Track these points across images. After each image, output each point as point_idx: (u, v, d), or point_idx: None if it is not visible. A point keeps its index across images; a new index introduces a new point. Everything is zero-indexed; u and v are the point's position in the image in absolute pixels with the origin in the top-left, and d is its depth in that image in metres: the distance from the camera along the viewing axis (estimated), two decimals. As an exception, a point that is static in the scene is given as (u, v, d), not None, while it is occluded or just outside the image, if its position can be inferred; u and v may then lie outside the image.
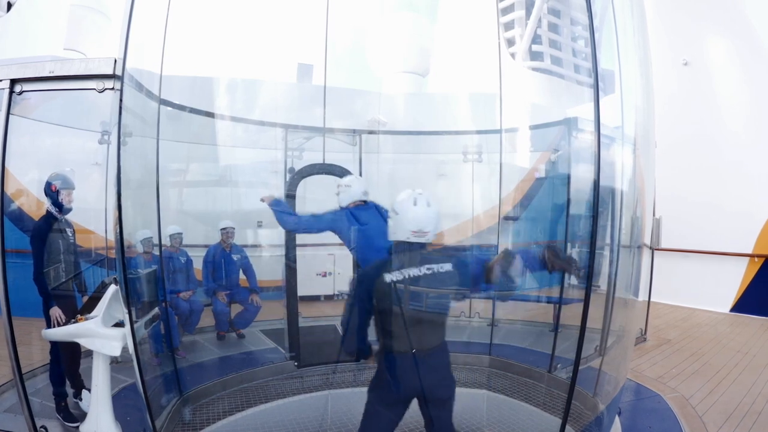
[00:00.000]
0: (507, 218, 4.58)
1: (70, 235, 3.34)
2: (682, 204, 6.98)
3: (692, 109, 7.52)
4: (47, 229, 3.16)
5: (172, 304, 4.16)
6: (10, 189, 3.33)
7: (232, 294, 4.67)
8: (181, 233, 4.26)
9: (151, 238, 3.47)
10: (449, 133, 4.95)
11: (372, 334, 2.13)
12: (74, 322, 2.73)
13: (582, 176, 2.90)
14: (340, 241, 3.23)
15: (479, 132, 4.78)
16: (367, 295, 2.07)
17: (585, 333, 2.29)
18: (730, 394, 3.82)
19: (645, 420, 3.44)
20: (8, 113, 2.53)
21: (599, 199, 2.23)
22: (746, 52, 7.11)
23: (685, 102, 7.52)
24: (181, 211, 4.52)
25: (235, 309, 4.69)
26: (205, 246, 4.68)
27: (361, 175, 4.27)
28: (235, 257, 4.64)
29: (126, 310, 2.34)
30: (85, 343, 2.68)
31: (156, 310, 2.73)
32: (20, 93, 2.55)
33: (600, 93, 2.22)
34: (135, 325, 2.34)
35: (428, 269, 2.05)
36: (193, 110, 3.58)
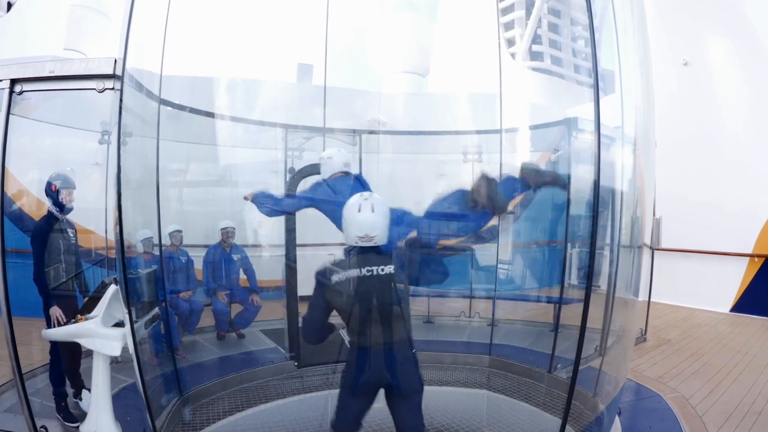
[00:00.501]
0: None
1: (72, 235, 3.34)
2: (682, 204, 6.98)
3: (692, 109, 7.52)
4: (48, 229, 3.16)
5: (172, 304, 4.16)
6: (10, 189, 3.33)
7: (232, 294, 4.67)
8: (180, 231, 4.25)
9: (152, 238, 3.47)
10: (449, 133, 4.94)
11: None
12: (74, 322, 2.73)
13: (582, 176, 2.89)
14: (340, 241, 3.22)
15: (479, 132, 4.77)
16: (321, 294, 2.23)
17: (585, 333, 2.29)
18: (730, 394, 3.82)
19: (645, 420, 3.44)
20: (8, 113, 2.54)
21: (599, 199, 2.23)
22: (746, 52, 7.11)
23: (685, 102, 7.52)
24: (181, 211, 4.51)
25: (235, 309, 4.69)
26: (205, 246, 4.67)
27: (361, 174, 4.26)
28: (235, 257, 4.64)
29: (126, 310, 2.34)
30: (85, 343, 2.69)
31: (156, 310, 2.73)
32: (20, 93, 2.55)
33: (600, 93, 2.22)
34: (135, 325, 2.34)
35: (368, 271, 2.14)
36: (193, 110, 3.58)
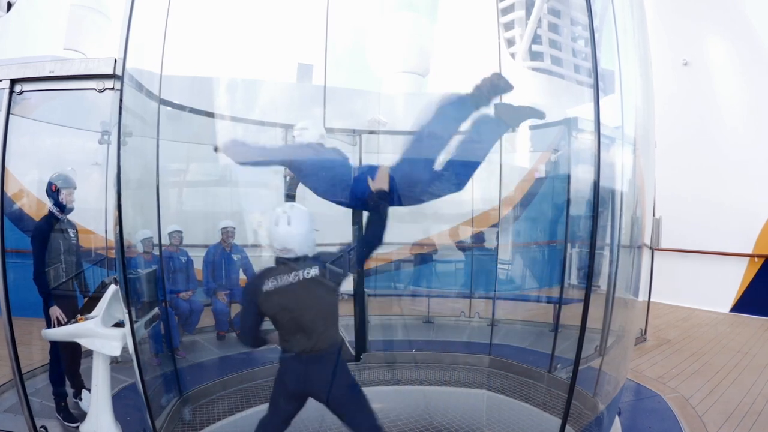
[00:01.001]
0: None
1: (72, 235, 3.34)
2: (682, 204, 6.98)
3: (692, 109, 7.52)
4: (48, 229, 3.16)
5: (172, 304, 4.16)
6: (10, 189, 3.33)
7: (232, 294, 4.67)
8: (180, 231, 4.25)
9: (151, 237, 3.47)
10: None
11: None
12: (74, 322, 2.73)
13: (582, 176, 2.90)
14: (340, 241, 3.22)
15: (479, 132, 4.76)
16: (252, 300, 2.24)
17: (585, 333, 2.29)
18: (730, 394, 3.82)
19: (645, 420, 3.44)
20: (8, 113, 2.54)
21: (599, 199, 2.23)
22: (746, 52, 7.11)
23: (685, 102, 7.52)
24: (181, 211, 4.51)
25: (235, 309, 4.69)
26: (205, 246, 4.67)
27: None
28: (235, 257, 4.64)
29: (126, 310, 2.34)
30: (85, 343, 2.69)
31: (156, 310, 2.73)
32: (20, 93, 2.55)
33: (600, 93, 2.22)
34: (135, 325, 2.34)
35: (295, 276, 2.17)
36: (193, 110, 3.58)
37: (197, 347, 4.39)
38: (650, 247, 4.32)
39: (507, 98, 2.40)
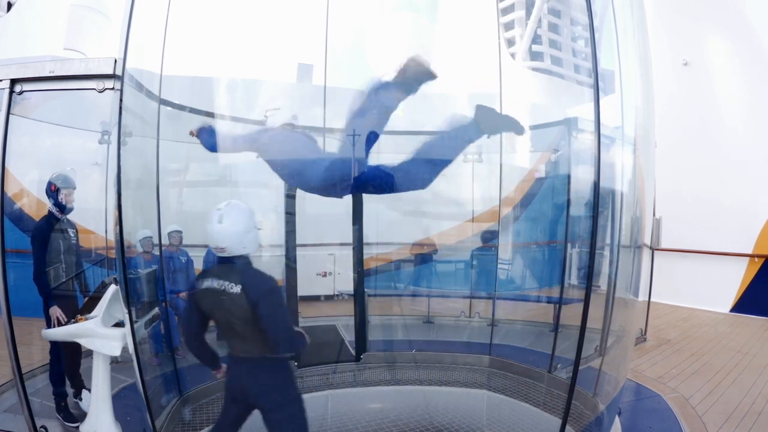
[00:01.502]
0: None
1: (72, 235, 3.34)
2: (682, 204, 6.98)
3: (692, 109, 7.52)
4: (48, 229, 3.16)
5: (172, 304, 4.15)
6: (10, 189, 3.33)
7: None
8: (180, 231, 4.25)
9: (151, 237, 3.47)
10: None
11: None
12: (74, 322, 2.73)
13: (582, 176, 2.89)
14: (340, 241, 3.22)
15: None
16: (191, 297, 2.25)
17: (585, 333, 2.29)
18: (730, 394, 3.82)
19: (645, 420, 3.44)
20: (8, 113, 2.54)
21: (599, 199, 2.23)
22: (746, 53, 7.10)
23: (685, 102, 7.52)
24: (181, 211, 4.51)
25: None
26: (205, 246, 4.66)
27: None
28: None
29: (126, 310, 2.34)
30: (85, 343, 2.69)
31: (156, 310, 2.73)
32: (20, 93, 2.55)
33: (600, 93, 2.22)
34: (135, 325, 2.34)
35: (220, 284, 2.11)
36: (193, 110, 3.58)
37: (197, 347, 4.38)
38: (650, 247, 4.32)
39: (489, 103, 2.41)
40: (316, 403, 3.48)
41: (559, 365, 3.65)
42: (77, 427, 2.85)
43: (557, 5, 6.49)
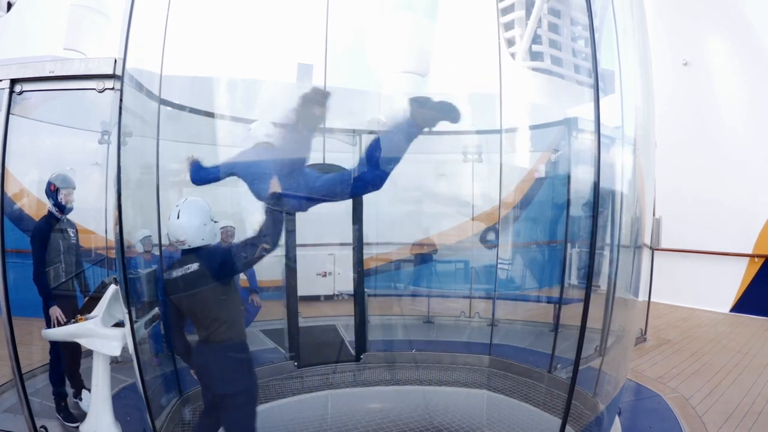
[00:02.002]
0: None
1: (72, 235, 3.34)
2: (682, 204, 6.98)
3: (692, 109, 7.52)
4: (48, 229, 3.15)
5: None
6: (10, 189, 3.33)
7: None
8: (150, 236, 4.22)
9: (150, 236, 3.47)
10: (449, 133, 4.94)
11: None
12: (74, 322, 2.73)
13: (582, 177, 2.90)
14: (340, 241, 3.22)
15: (479, 132, 4.77)
16: (164, 289, 2.36)
17: (585, 333, 2.29)
18: (730, 395, 3.82)
19: (645, 420, 3.44)
20: (8, 113, 2.54)
21: (599, 199, 2.23)
22: (746, 53, 7.10)
23: (685, 102, 7.52)
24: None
25: (235, 309, 4.69)
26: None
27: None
28: (235, 257, 4.63)
29: (126, 310, 2.34)
30: (85, 343, 2.69)
31: (156, 310, 2.73)
32: (20, 93, 2.55)
33: (600, 93, 2.22)
34: (135, 325, 2.34)
35: (186, 268, 2.25)
36: (193, 110, 3.58)
37: (197, 347, 4.38)
38: (650, 247, 4.32)
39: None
40: (316, 403, 3.49)
41: (559, 365, 3.66)
42: (77, 427, 2.85)
43: (557, 5, 6.49)
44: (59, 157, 4.40)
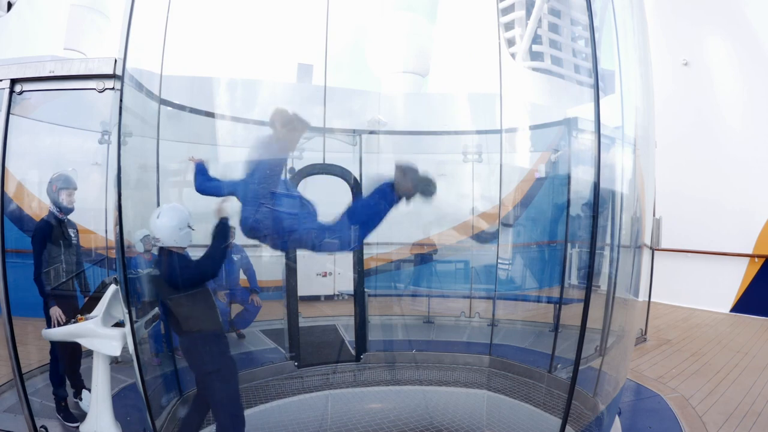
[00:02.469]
0: (504, 224, 4.62)
1: (73, 235, 3.34)
2: (683, 204, 6.99)
3: (692, 108, 7.52)
4: (48, 230, 3.15)
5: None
6: (10, 189, 3.33)
7: (232, 294, 4.66)
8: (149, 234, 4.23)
9: (149, 236, 3.46)
10: (449, 133, 4.94)
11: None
12: (74, 322, 2.73)
13: (582, 177, 2.90)
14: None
15: (479, 132, 4.77)
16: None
17: (585, 333, 2.29)
18: (730, 395, 3.82)
19: (645, 420, 3.44)
20: (8, 113, 2.54)
21: (599, 199, 2.23)
22: (746, 53, 7.11)
23: (684, 102, 7.52)
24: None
25: (235, 309, 4.69)
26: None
27: (361, 175, 4.26)
28: (235, 257, 4.63)
29: (126, 310, 2.34)
30: (85, 343, 2.69)
31: (156, 310, 2.73)
32: (20, 93, 2.55)
33: (600, 93, 2.22)
34: (135, 325, 2.34)
35: (152, 269, 2.59)
36: (193, 110, 3.58)
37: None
38: (650, 247, 4.32)
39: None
40: (316, 403, 3.49)
41: (559, 365, 3.66)
42: (77, 427, 2.85)
43: (557, 5, 6.49)
44: (59, 157, 4.40)
